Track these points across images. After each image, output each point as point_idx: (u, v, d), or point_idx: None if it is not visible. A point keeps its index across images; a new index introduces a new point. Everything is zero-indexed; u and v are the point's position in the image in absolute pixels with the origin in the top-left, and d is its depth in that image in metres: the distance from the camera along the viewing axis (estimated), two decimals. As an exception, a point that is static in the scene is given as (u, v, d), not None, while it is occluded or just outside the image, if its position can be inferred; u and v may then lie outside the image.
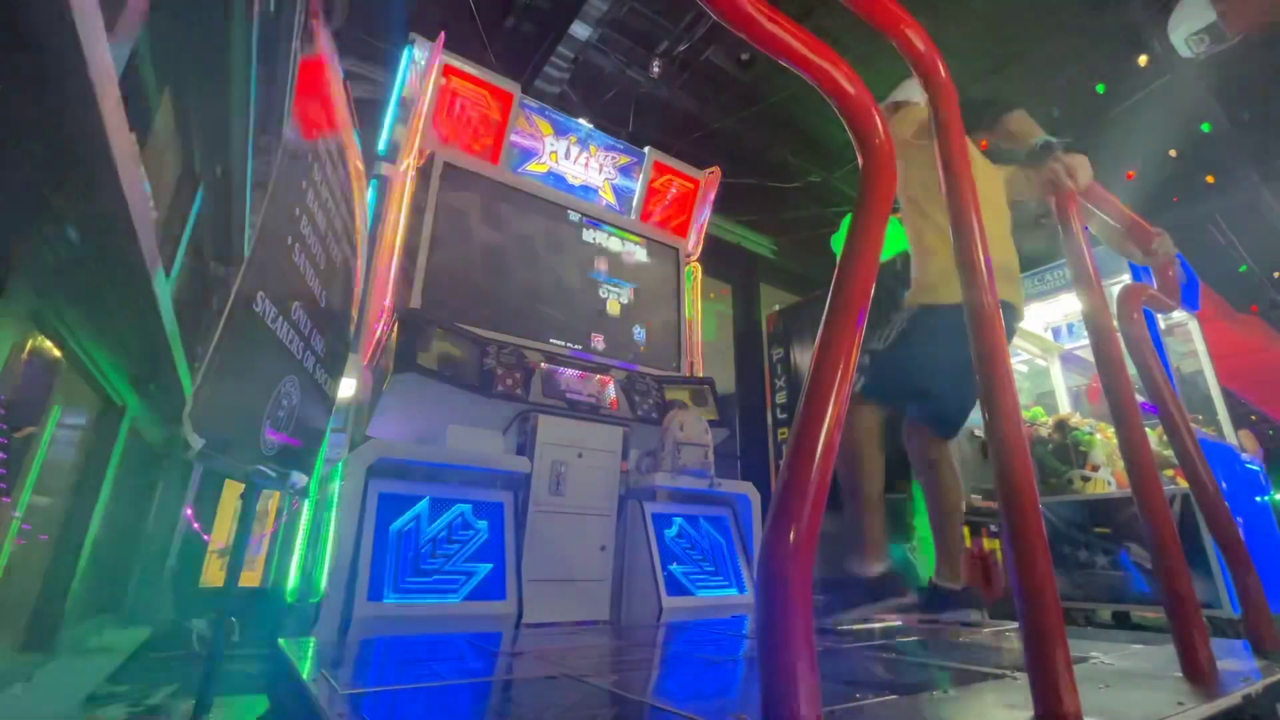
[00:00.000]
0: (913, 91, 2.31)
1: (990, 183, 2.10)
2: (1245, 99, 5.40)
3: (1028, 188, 2.14)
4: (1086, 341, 1.55)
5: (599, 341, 3.59)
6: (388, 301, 3.17)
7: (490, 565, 2.44)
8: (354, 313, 3.11)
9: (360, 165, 2.99)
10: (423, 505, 2.45)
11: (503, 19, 5.03)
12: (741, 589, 2.98)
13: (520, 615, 2.39)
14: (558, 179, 3.91)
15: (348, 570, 2.18)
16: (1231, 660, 1.32)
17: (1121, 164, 5.73)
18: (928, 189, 2.03)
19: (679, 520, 3.06)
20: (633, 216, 4.15)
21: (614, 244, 3.91)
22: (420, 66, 3.42)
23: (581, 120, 4.15)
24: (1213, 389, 4.10)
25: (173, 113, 2.52)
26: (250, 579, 3.90)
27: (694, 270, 4.29)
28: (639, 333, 3.79)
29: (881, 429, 2.04)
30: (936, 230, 2.03)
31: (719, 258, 6.28)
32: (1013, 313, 2.03)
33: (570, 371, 3.17)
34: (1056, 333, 4.82)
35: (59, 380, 1.90)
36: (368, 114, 3.52)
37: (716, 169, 4.43)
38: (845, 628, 1.98)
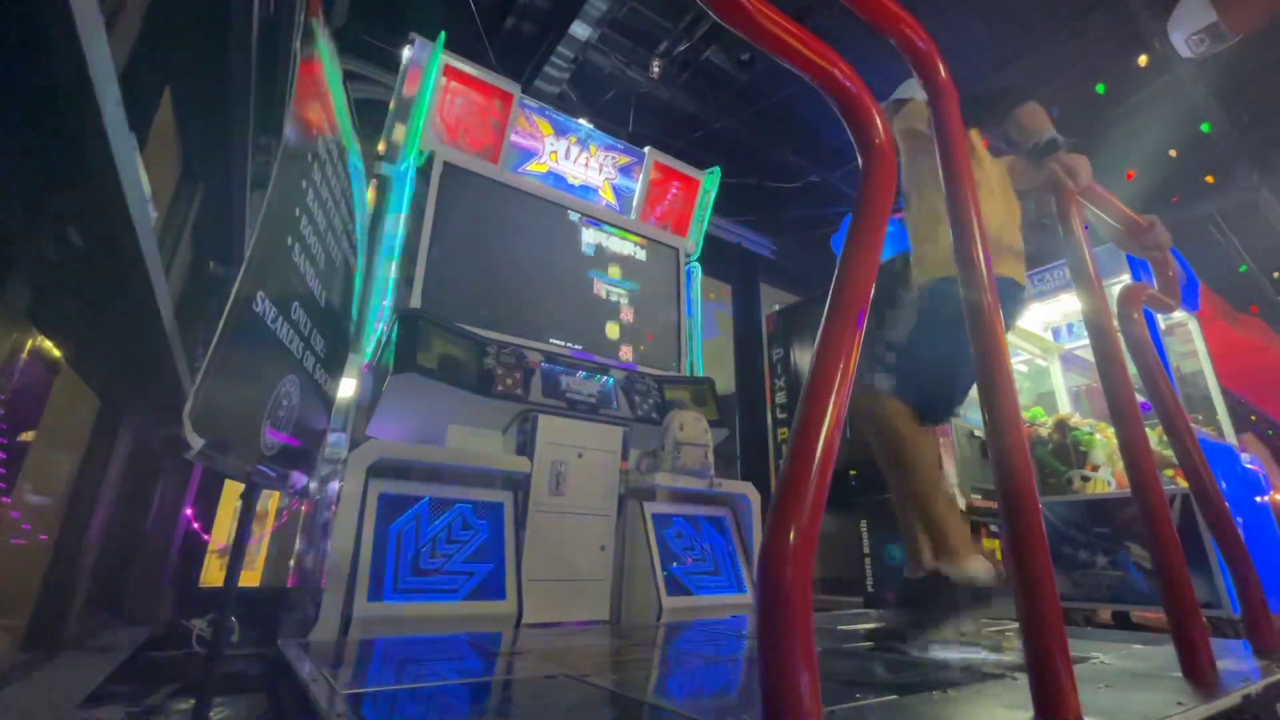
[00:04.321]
0: (916, 90, 2.28)
1: (996, 173, 2.09)
2: (1245, 99, 5.39)
3: (1026, 177, 2.11)
4: (1086, 341, 1.55)
5: (599, 341, 3.59)
6: (387, 301, 3.17)
7: (490, 565, 2.44)
8: (354, 313, 3.10)
9: (360, 165, 2.99)
10: (423, 505, 2.45)
11: (503, 19, 5.03)
12: (741, 589, 2.98)
13: (520, 615, 2.39)
14: (558, 179, 3.91)
15: (348, 570, 2.18)
16: (1231, 660, 1.32)
17: (1121, 164, 5.73)
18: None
19: (679, 520, 3.06)
20: (633, 216, 4.15)
21: (614, 244, 3.91)
22: (420, 66, 3.42)
23: (581, 120, 4.15)
24: (1213, 389, 4.10)
25: (173, 113, 2.52)
26: (250, 579, 3.90)
27: (694, 270, 4.29)
28: (639, 333, 3.79)
29: (915, 414, 1.83)
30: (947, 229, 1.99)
31: (719, 258, 6.28)
32: (1018, 289, 1.97)
33: (570, 371, 3.17)
34: (1056, 333, 4.82)
35: (58, 380, 1.90)
36: (368, 114, 3.51)
37: (716, 169, 4.43)
38: (939, 645, 1.66)
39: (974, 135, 2.06)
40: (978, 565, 1.62)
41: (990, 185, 1.99)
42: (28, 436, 1.77)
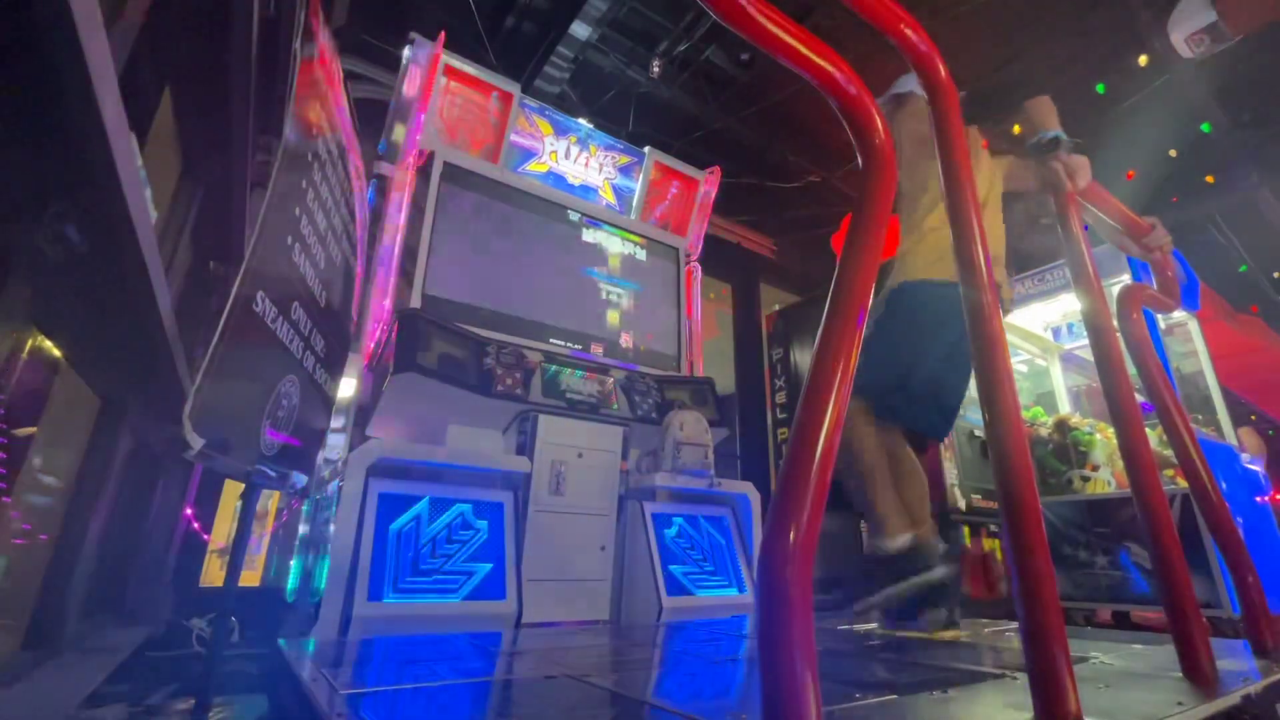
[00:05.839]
0: (915, 85, 2.29)
1: (990, 177, 2.10)
2: (1245, 99, 5.40)
3: (1025, 178, 2.12)
4: (1086, 341, 1.55)
5: (599, 341, 3.59)
6: (388, 301, 3.17)
7: (490, 565, 2.44)
8: (354, 313, 3.11)
9: (360, 165, 2.99)
10: (423, 505, 2.45)
11: (503, 19, 5.04)
12: (741, 589, 2.98)
13: (520, 615, 2.39)
14: (558, 179, 3.91)
15: (347, 570, 2.18)
16: (1231, 660, 1.32)
17: (1121, 164, 5.73)
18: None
19: (679, 520, 3.06)
20: (633, 216, 4.15)
21: (614, 244, 3.91)
22: (420, 66, 3.42)
23: (581, 120, 4.15)
24: (1213, 389, 4.10)
25: (173, 113, 2.52)
26: (250, 579, 3.90)
27: (694, 270, 4.29)
28: (639, 333, 3.79)
29: (871, 413, 1.95)
30: (938, 217, 2.02)
31: (719, 258, 6.28)
32: (1004, 299, 2.02)
33: (570, 371, 3.17)
34: (1056, 333, 4.82)
35: (58, 380, 1.90)
36: (368, 114, 3.52)
37: (716, 169, 4.44)
38: (868, 616, 1.87)
39: (975, 133, 2.06)
40: (899, 540, 1.81)
41: (984, 190, 2.01)
42: (27, 435, 1.77)
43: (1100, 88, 5.35)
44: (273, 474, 2.00)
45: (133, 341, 2.06)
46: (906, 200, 2.11)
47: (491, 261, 3.34)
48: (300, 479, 2.38)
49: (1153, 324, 3.38)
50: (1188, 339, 4.31)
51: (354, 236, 2.88)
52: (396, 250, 3.24)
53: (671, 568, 2.82)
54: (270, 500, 4.12)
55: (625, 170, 4.18)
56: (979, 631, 2.02)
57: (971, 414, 4.42)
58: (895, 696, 1.08)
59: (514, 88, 3.60)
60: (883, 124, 0.90)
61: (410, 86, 3.45)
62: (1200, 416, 4.04)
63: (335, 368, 2.71)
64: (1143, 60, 5.03)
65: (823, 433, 0.72)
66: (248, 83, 2.65)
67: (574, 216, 3.80)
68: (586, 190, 4.03)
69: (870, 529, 1.93)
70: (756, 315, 7.04)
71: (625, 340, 3.71)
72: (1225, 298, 5.13)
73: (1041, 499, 1.05)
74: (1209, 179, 6.02)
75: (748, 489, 3.30)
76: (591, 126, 4.13)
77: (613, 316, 3.72)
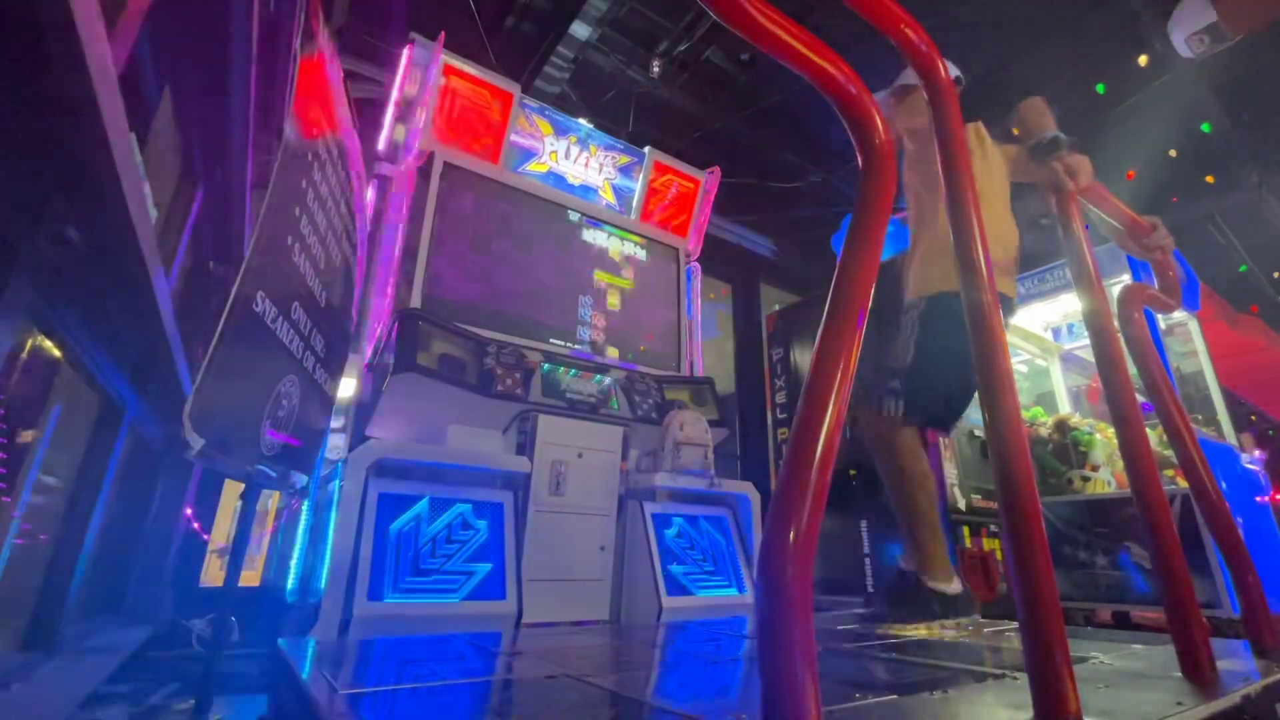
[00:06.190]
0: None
1: (995, 173, 2.09)
2: (1245, 99, 5.39)
3: (1029, 169, 2.11)
4: (1086, 341, 1.55)
5: (599, 341, 3.59)
6: (387, 301, 3.17)
7: (490, 565, 2.44)
8: (354, 313, 3.11)
9: (360, 165, 2.99)
10: (423, 505, 2.45)
11: (503, 19, 5.03)
12: (741, 589, 2.98)
13: (520, 615, 2.39)
14: (558, 179, 3.91)
15: (347, 570, 2.18)
16: (1231, 660, 1.32)
17: (1121, 164, 5.73)
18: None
19: (679, 520, 3.06)
20: (633, 216, 4.15)
21: (614, 244, 3.91)
22: (420, 66, 3.42)
23: (581, 120, 4.15)
24: (1213, 389, 4.11)
25: (173, 113, 2.52)
26: (250, 579, 3.90)
27: (694, 270, 4.29)
28: (639, 333, 3.79)
29: (923, 443, 2.03)
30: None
31: (719, 258, 6.28)
32: (1009, 305, 2.04)
33: (570, 371, 3.17)
34: (1056, 333, 4.82)
35: (59, 380, 1.90)
36: (368, 114, 3.52)
37: (716, 169, 4.44)
38: (892, 635, 1.97)
39: (980, 130, 2.05)
40: (954, 586, 1.92)
41: (992, 192, 2.00)
42: (28, 436, 1.77)
43: (1100, 88, 5.35)
44: (273, 474, 2.00)
45: (133, 341, 2.07)
46: (915, 195, 2.10)
47: (491, 261, 3.34)
48: (300, 479, 2.38)
49: (1153, 324, 3.38)
50: (1188, 339, 4.32)
51: (354, 236, 2.88)
52: (396, 250, 3.24)
53: (671, 568, 2.82)
54: (270, 500, 4.11)
55: (625, 170, 4.18)
56: (979, 631, 2.02)
57: (971, 414, 4.42)
58: (895, 696, 1.08)
59: (514, 88, 3.60)
60: (883, 124, 0.90)
61: (410, 86, 3.45)
62: (1200, 416, 4.05)
63: (335, 368, 2.71)
64: (1143, 60, 5.02)
65: (823, 433, 0.72)
66: (248, 83, 2.65)
67: (574, 216, 3.80)
68: (586, 190, 4.03)
69: (919, 561, 1.97)
70: (756, 315, 7.04)
71: (625, 340, 3.71)
72: (1225, 298, 5.13)
73: (1041, 499, 1.05)
74: (1209, 179, 6.02)
75: (748, 489, 3.31)
76: (591, 126, 4.13)
77: (613, 316, 3.72)
